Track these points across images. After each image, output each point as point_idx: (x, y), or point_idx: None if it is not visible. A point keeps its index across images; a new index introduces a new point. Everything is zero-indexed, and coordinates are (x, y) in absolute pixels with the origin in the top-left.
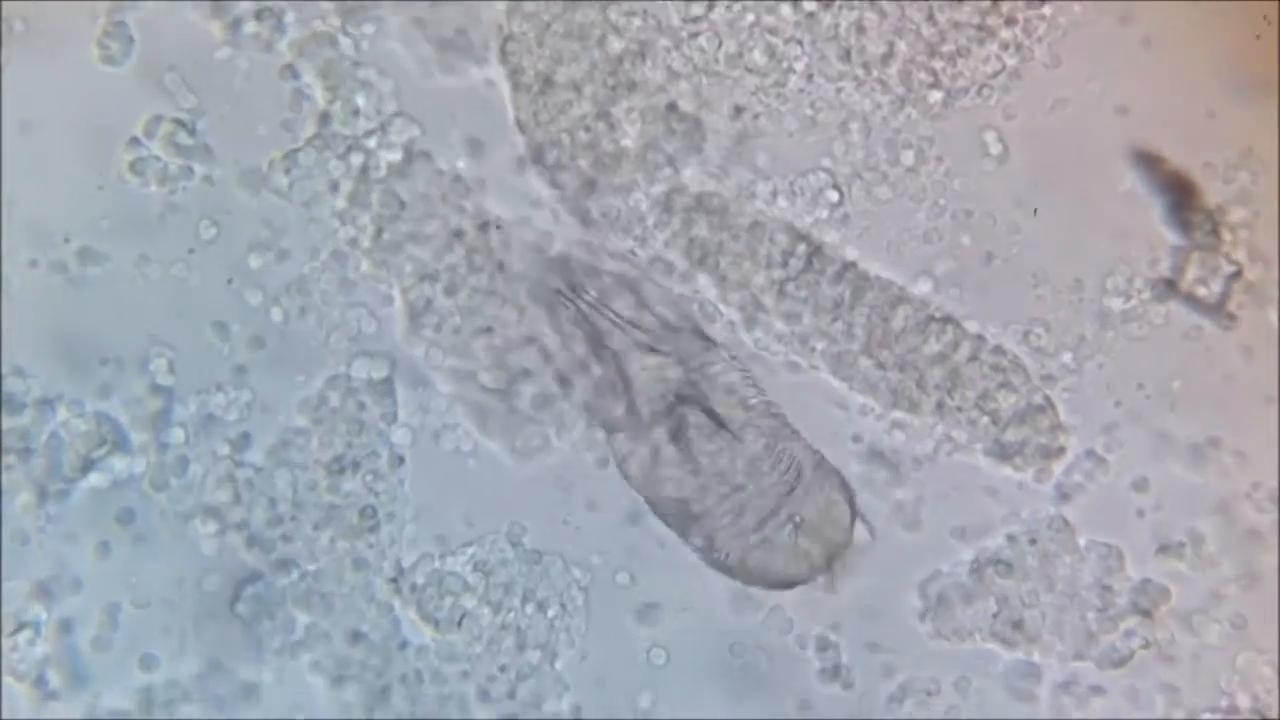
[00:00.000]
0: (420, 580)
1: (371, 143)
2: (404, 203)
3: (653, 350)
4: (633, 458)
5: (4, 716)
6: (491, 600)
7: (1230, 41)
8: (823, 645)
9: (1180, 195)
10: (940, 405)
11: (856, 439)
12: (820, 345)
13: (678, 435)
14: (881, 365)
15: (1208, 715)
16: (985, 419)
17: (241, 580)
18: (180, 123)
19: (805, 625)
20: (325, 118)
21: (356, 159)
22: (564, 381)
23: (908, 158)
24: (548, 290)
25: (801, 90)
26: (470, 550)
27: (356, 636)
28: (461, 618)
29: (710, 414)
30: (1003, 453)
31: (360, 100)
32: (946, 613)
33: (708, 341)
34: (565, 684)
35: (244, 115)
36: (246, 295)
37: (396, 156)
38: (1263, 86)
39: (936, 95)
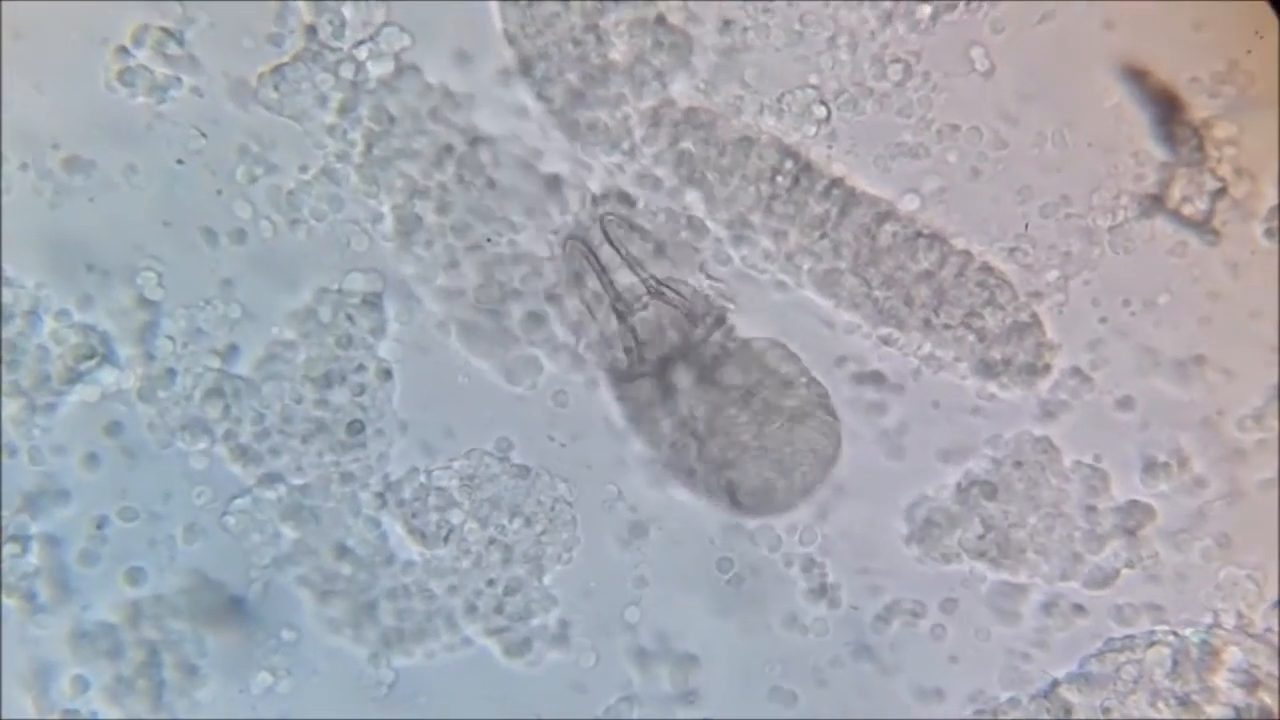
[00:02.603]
0: (407, 495)
1: (362, 54)
2: (393, 117)
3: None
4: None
5: None
6: (479, 515)
7: None
8: (808, 566)
9: (1167, 110)
10: (926, 322)
11: (842, 361)
12: (807, 263)
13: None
14: (868, 283)
15: (1191, 629)
16: (971, 336)
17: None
18: (168, 32)
19: (791, 548)
20: (311, 30)
21: (346, 71)
22: (554, 300)
23: (895, 73)
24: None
25: (790, 3)
26: (457, 465)
27: (343, 551)
28: (448, 533)
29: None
30: (988, 370)
31: (347, 12)
32: (933, 536)
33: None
34: (553, 598)
35: (230, 26)
36: (235, 208)
37: (388, 68)
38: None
39: (925, 9)
